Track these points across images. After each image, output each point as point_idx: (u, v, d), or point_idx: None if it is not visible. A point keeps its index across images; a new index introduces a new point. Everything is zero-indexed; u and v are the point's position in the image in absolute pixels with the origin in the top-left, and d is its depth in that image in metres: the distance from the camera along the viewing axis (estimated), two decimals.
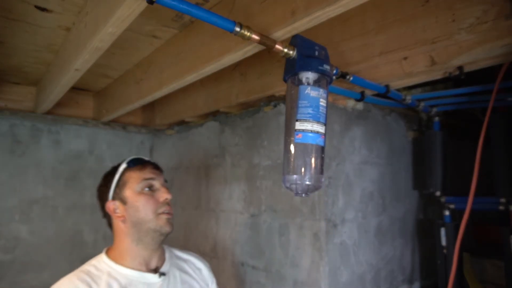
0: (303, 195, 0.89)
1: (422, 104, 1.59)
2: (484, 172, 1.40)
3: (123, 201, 1.05)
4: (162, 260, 1.11)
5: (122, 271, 1.02)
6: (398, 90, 1.43)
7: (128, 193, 1.04)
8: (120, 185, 1.06)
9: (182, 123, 2.26)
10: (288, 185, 0.90)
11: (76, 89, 2.12)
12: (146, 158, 1.12)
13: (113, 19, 0.91)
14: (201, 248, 1.98)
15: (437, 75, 1.22)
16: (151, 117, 2.44)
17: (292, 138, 0.89)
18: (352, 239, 1.48)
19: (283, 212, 1.52)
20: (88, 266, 1.03)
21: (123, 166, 1.08)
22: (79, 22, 1.21)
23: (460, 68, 1.14)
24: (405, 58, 1.17)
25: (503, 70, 1.26)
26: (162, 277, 1.06)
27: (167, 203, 1.06)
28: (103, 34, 1.00)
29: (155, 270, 1.07)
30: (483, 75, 1.33)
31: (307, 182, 0.88)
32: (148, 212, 1.03)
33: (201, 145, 2.09)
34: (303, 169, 0.88)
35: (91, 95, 2.30)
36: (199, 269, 1.21)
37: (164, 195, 1.06)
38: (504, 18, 0.89)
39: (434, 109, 1.68)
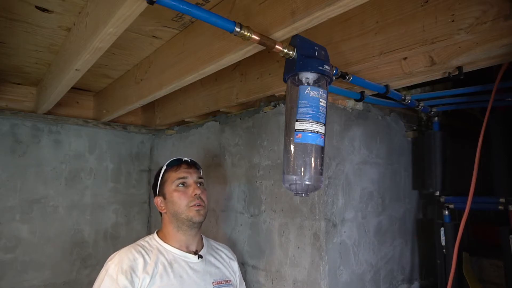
0: (303, 195, 0.90)
1: (422, 104, 1.59)
2: (484, 172, 1.40)
3: (164, 197, 1.30)
4: (201, 245, 1.36)
5: (169, 249, 1.26)
6: (397, 90, 1.44)
7: (167, 190, 1.30)
8: (162, 183, 1.32)
9: (182, 123, 2.26)
10: (288, 185, 0.91)
11: (76, 89, 2.13)
12: (184, 158, 1.35)
13: (114, 20, 0.91)
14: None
15: (436, 75, 1.22)
16: (151, 117, 2.44)
17: (292, 138, 0.89)
18: (352, 239, 1.48)
19: (283, 212, 1.52)
20: (143, 241, 1.27)
21: (164, 167, 1.33)
22: (79, 23, 1.21)
23: (459, 68, 1.14)
24: (405, 58, 1.18)
25: (502, 70, 1.27)
26: (200, 259, 1.29)
27: (198, 197, 1.27)
28: (103, 35, 1.01)
29: (195, 252, 1.30)
30: (483, 75, 1.33)
31: (307, 182, 0.88)
32: (182, 205, 1.26)
33: (201, 145, 2.09)
34: (303, 169, 0.89)
35: (92, 95, 2.30)
36: (230, 259, 1.43)
37: (194, 191, 1.27)
38: (503, 19, 0.89)
39: (434, 109, 1.68)
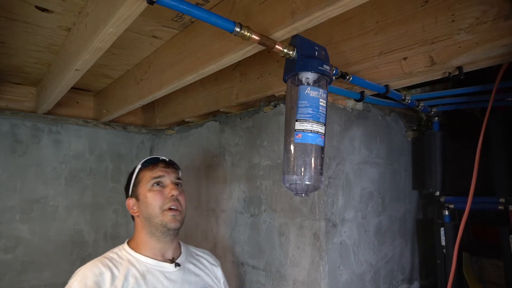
0: (303, 195, 0.90)
1: (422, 104, 1.59)
2: (484, 172, 1.40)
3: (137, 198, 1.17)
4: (178, 252, 1.22)
5: (141, 259, 1.12)
6: (397, 90, 1.44)
7: (140, 190, 1.16)
8: (136, 183, 1.18)
9: (182, 123, 2.26)
10: (288, 185, 0.91)
11: (76, 89, 2.13)
12: (161, 157, 1.23)
13: (114, 20, 0.91)
14: (201, 248, 1.98)
15: (436, 75, 1.22)
16: (151, 117, 2.44)
17: (292, 138, 0.89)
18: (351, 239, 1.48)
19: (283, 212, 1.52)
20: (111, 253, 1.14)
21: (139, 166, 1.20)
22: (79, 23, 1.21)
23: (459, 68, 1.14)
24: (405, 58, 1.18)
25: (502, 70, 1.27)
26: (178, 267, 1.16)
27: (174, 198, 1.14)
28: (103, 35, 1.01)
29: (172, 260, 1.16)
30: (483, 75, 1.33)
31: (307, 182, 0.88)
32: (155, 207, 1.12)
33: (201, 145, 2.09)
34: (302, 169, 0.89)
35: (92, 95, 2.30)
36: (212, 265, 1.30)
37: (170, 191, 1.14)
38: (503, 19, 0.89)
39: (434, 109, 1.68)
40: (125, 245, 1.16)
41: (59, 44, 1.47)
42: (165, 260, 1.15)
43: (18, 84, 2.05)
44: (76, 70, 1.32)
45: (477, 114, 1.99)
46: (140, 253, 1.13)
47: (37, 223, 2.11)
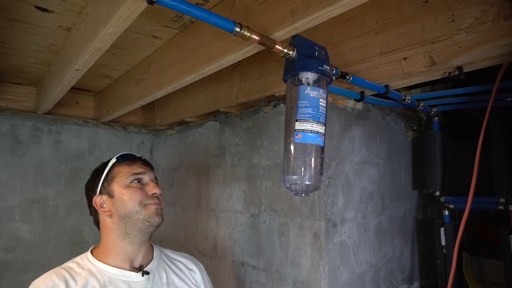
0: (303, 195, 0.90)
1: (422, 104, 1.59)
2: (484, 172, 1.40)
3: (110, 195, 1.04)
4: (149, 258, 1.09)
5: (103, 268, 1.00)
6: (397, 90, 1.44)
7: (115, 187, 1.04)
8: (109, 179, 1.06)
9: (182, 123, 2.26)
10: (288, 185, 0.91)
11: (76, 89, 2.13)
12: (137, 155, 1.13)
13: (114, 20, 0.91)
14: (201, 248, 1.99)
15: (436, 75, 1.22)
16: (151, 117, 2.44)
17: (292, 138, 0.89)
18: (352, 239, 1.48)
19: (283, 212, 1.52)
20: (71, 263, 1.03)
21: (113, 161, 1.09)
22: (79, 23, 1.21)
23: (459, 68, 1.14)
24: (405, 58, 1.18)
25: (502, 70, 1.27)
26: (146, 276, 1.03)
27: (155, 197, 1.06)
28: (103, 35, 1.01)
29: (139, 269, 1.04)
30: (483, 75, 1.33)
31: (307, 182, 0.88)
32: (135, 203, 1.02)
33: (201, 145, 2.09)
34: (303, 169, 0.89)
35: (92, 95, 2.30)
36: (190, 270, 1.17)
37: (153, 189, 1.06)
38: (503, 19, 0.89)
39: (434, 109, 1.68)
40: (88, 254, 1.05)
41: (59, 44, 1.47)
42: (131, 269, 1.03)
43: (18, 84, 2.05)
44: (76, 70, 1.32)
45: (477, 114, 1.99)
46: (104, 262, 1.02)
47: (37, 223, 2.11)
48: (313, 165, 0.89)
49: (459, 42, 1.03)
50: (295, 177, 0.88)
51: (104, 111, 2.13)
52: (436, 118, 1.74)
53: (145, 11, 0.88)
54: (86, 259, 1.04)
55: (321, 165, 0.91)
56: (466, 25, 0.95)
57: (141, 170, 1.07)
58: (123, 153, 1.12)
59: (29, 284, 1.00)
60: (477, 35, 0.96)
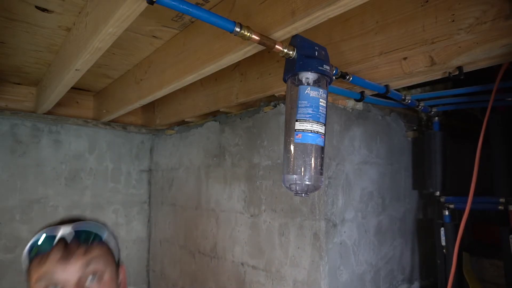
0: (303, 195, 0.90)
1: (422, 104, 1.59)
2: (484, 172, 1.40)
3: None
4: None
5: None
6: (397, 90, 1.44)
7: None
8: (27, 280, 0.72)
9: (182, 123, 2.26)
10: (288, 185, 0.91)
11: (76, 89, 2.13)
12: (59, 235, 0.71)
13: (114, 20, 0.91)
14: (201, 248, 1.99)
15: (436, 75, 1.22)
16: (151, 117, 2.44)
17: (292, 138, 0.89)
18: (352, 239, 1.48)
19: (283, 212, 1.52)
20: None
21: (24, 255, 0.74)
22: (79, 23, 1.21)
23: (459, 68, 1.14)
24: (405, 58, 1.18)
25: (502, 70, 1.27)
26: None
27: None
28: (103, 34, 1.00)
29: None
30: (483, 75, 1.33)
31: (307, 182, 0.88)
32: None
33: (201, 145, 2.09)
34: (302, 169, 0.89)
35: (92, 95, 2.30)
36: None
37: None
38: (503, 19, 0.89)
39: (434, 109, 1.68)
40: None
41: (59, 44, 1.47)
42: None
43: (18, 84, 2.05)
44: (76, 70, 1.31)
45: (477, 114, 1.99)
46: None
47: (37, 223, 2.10)
48: (313, 165, 0.89)
49: (459, 42, 1.03)
50: (295, 177, 0.88)
51: (104, 111, 2.13)
52: (436, 118, 1.74)
53: (145, 11, 0.88)
54: None
55: (321, 165, 0.91)
56: (466, 25, 0.95)
57: (50, 270, 0.68)
58: (42, 231, 0.75)
59: None
60: (477, 35, 0.96)
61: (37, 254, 0.70)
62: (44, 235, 0.72)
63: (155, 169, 2.56)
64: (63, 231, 0.72)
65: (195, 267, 2.03)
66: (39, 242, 0.72)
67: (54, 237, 0.70)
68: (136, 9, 0.86)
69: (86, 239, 0.72)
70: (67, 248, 0.69)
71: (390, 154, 1.73)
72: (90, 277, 0.69)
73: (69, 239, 0.70)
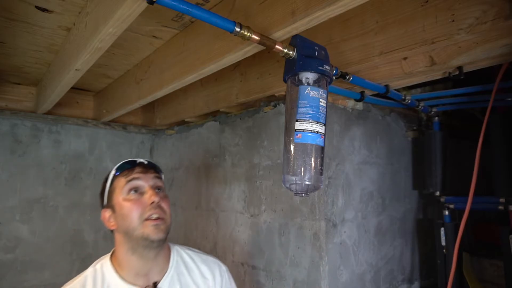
0: (303, 195, 0.90)
1: (422, 104, 1.59)
2: (484, 172, 1.40)
3: (113, 209, 0.99)
4: (166, 268, 1.02)
5: (119, 285, 0.96)
6: (397, 90, 1.44)
7: (116, 200, 0.98)
8: (111, 191, 1.00)
9: (182, 123, 2.26)
10: (288, 185, 0.91)
11: (76, 89, 2.13)
12: (138, 160, 1.03)
13: (113, 20, 0.91)
14: (201, 248, 1.99)
15: (436, 75, 1.22)
16: (151, 117, 2.44)
17: (292, 138, 0.89)
18: (352, 239, 1.48)
19: (283, 212, 1.52)
20: (93, 270, 0.99)
21: (112, 173, 1.01)
22: (79, 23, 1.21)
23: (459, 68, 1.14)
24: (405, 58, 1.18)
25: (502, 70, 1.27)
26: None
27: (156, 206, 0.96)
28: (103, 34, 1.01)
29: (155, 284, 0.97)
30: (483, 75, 1.33)
31: (307, 182, 0.88)
32: (134, 218, 0.94)
33: (201, 145, 2.09)
34: (302, 169, 0.89)
35: (92, 95, 2.30)
36: (205, 279, 1.06)
37: (151, 198, 0.96)
38: (503, 19, 0.89)
39: (434, 109, 1.68)
40: (108, 260, 1.00)
41: (59, 44, 1.47)
42: (147, 284, 0.97)
43: (18, 84, 2.05)
44: (76, 70, 1.31)
45: (477, 114, 1.99)
46: (121, 276, 0.97)
47: (37, 223, 2.11)
48: (313, 165, 0.89)
49: (459, 42, 1.03)
50: (295, 177, 0.88)
51: (104, 111, 2.13)
52: (436, 118, 1.74)
53: (145, 11, 0.88)
54: (106, 267, 1.00)
55: (321, 165, 0.91)
56: (466, 25, 0.95)
57: (136, 177, 0.99)
58: (123, 161, 1.03)
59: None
60: (477, 35, 0.96)
61: (124, 169, 1.01)
62: (127, 160, 1.03)
63: None
64: (141, 159, 1.05)
65: None
66: (126, 163, 1.03)
67: (135, 161, 1.03)
68: (136, 9, 0.86)
69: (154, 166, 1.06)
70: (145, 166, 1.03)
71: (390, 154, 1.73)
72: (158, 187, 1.02)
73: (146, 162, 1.05)
